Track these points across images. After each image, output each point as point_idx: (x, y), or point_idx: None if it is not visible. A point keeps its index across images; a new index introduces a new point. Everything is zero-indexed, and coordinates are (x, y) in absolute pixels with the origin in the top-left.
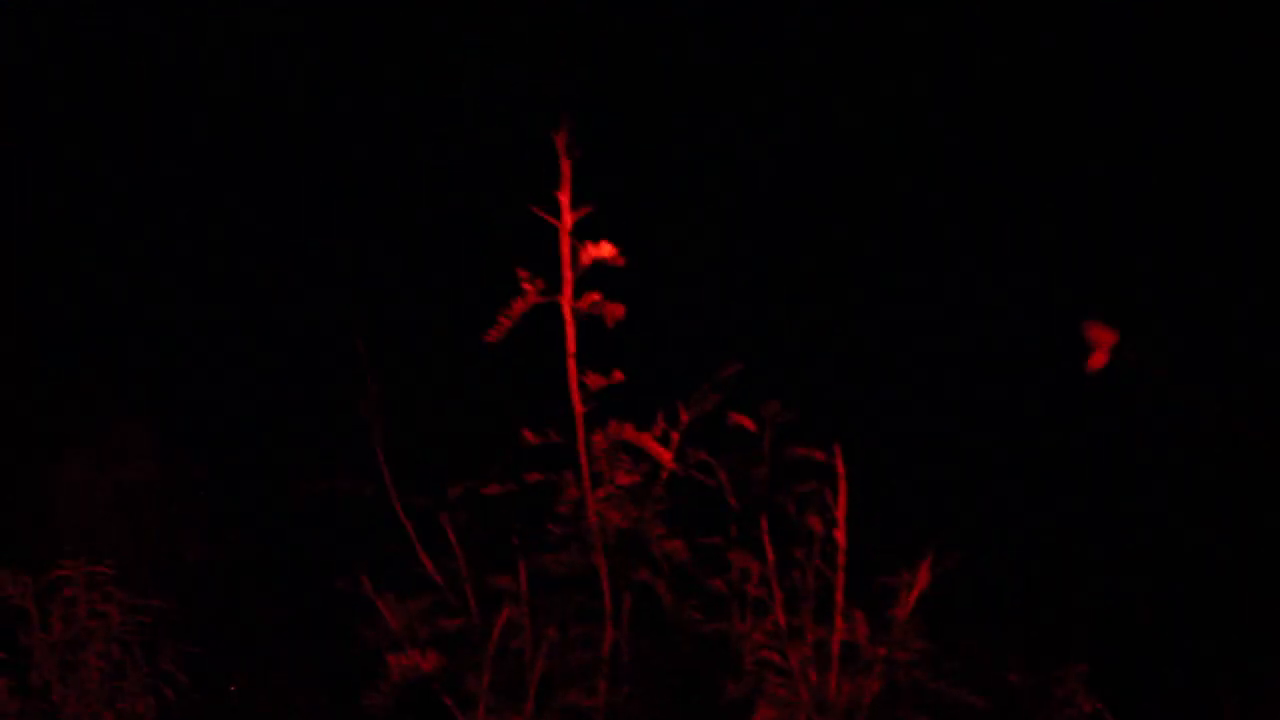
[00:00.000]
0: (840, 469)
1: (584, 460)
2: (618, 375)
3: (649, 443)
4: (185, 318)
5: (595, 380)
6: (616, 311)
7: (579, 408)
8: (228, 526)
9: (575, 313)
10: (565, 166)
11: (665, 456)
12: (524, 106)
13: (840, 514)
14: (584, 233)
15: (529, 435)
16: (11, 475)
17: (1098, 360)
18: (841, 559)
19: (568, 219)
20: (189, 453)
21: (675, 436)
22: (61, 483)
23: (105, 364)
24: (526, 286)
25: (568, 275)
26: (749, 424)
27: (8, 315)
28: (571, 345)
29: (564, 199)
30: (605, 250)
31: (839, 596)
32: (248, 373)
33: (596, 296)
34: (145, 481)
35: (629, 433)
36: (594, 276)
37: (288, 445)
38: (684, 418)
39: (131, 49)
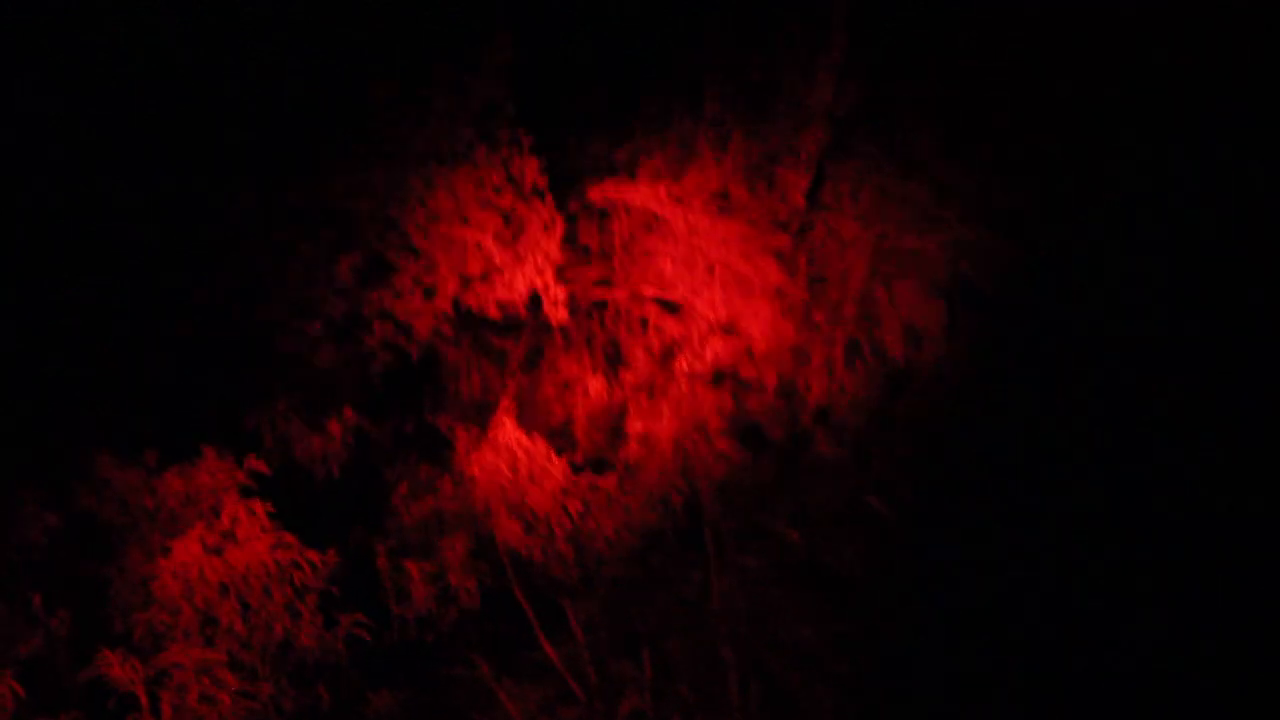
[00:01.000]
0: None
1: (710, 543)
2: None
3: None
4: (293, 404)
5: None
6: None
7: (706, 486)
8: (340, 610)
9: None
10: None
11: (792, 536)
12: None
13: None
14: None
15: (655, 518)
16: (123, 558)
17: None
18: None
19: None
20: (300, 535)
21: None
22: (173, 565)
23: (217, 448)
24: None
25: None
26: (884, 511)
27: (119, 404)
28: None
29: None
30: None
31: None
32: (358, 456)
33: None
34: (257, 564)
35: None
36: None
37: (399, 529)
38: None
39: None
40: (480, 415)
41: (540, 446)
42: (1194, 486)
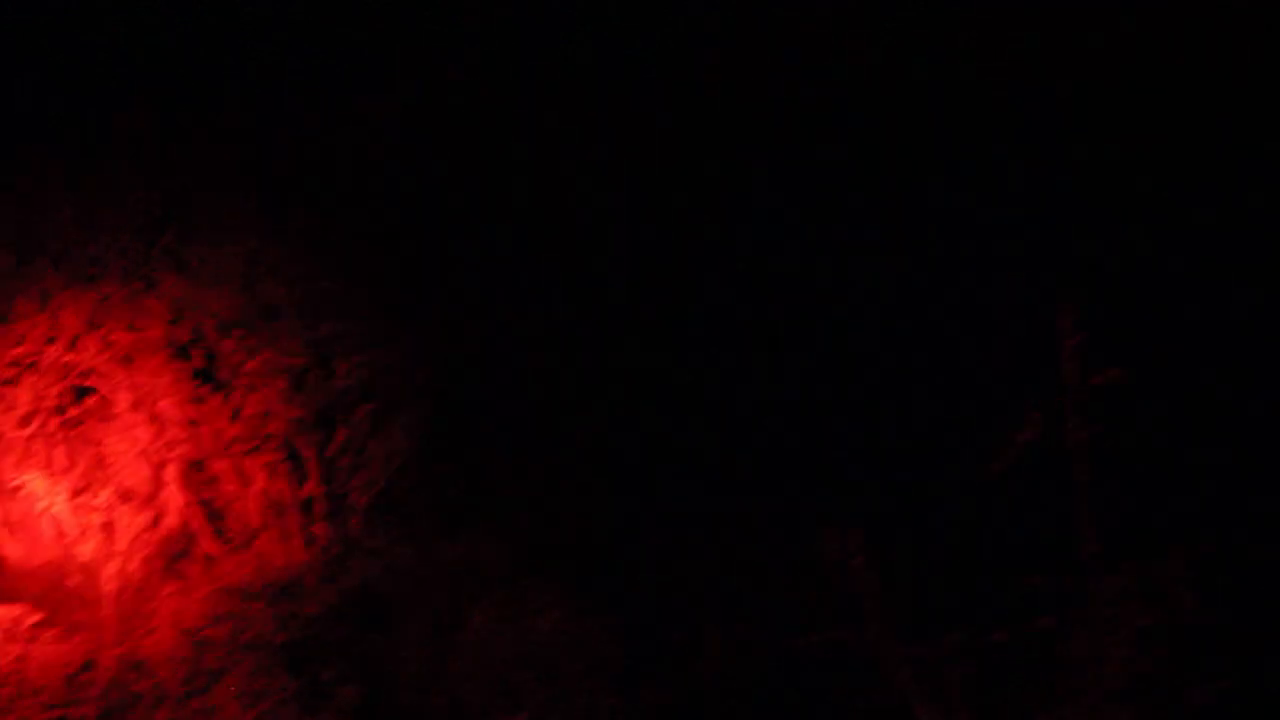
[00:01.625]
0: None
1: (1097, 604)
2: None
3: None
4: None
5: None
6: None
7: (1092, 545)
8: (642, 678)
9: (1079, 444)
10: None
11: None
12: None
13: None
14: None
15: (1034, 578)
16: (407, 630)
17: None
18: None
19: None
20: (597, 603)
21: None
22: (466, 637)
23: (501, 520)
24: (1033, 417)
25: (1073, 402)
26: None
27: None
28: (1081, 475)
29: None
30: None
31: None
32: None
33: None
34: (554, 634)
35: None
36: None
37: (688, 590)
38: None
39: None
40: None
41: None
42: None
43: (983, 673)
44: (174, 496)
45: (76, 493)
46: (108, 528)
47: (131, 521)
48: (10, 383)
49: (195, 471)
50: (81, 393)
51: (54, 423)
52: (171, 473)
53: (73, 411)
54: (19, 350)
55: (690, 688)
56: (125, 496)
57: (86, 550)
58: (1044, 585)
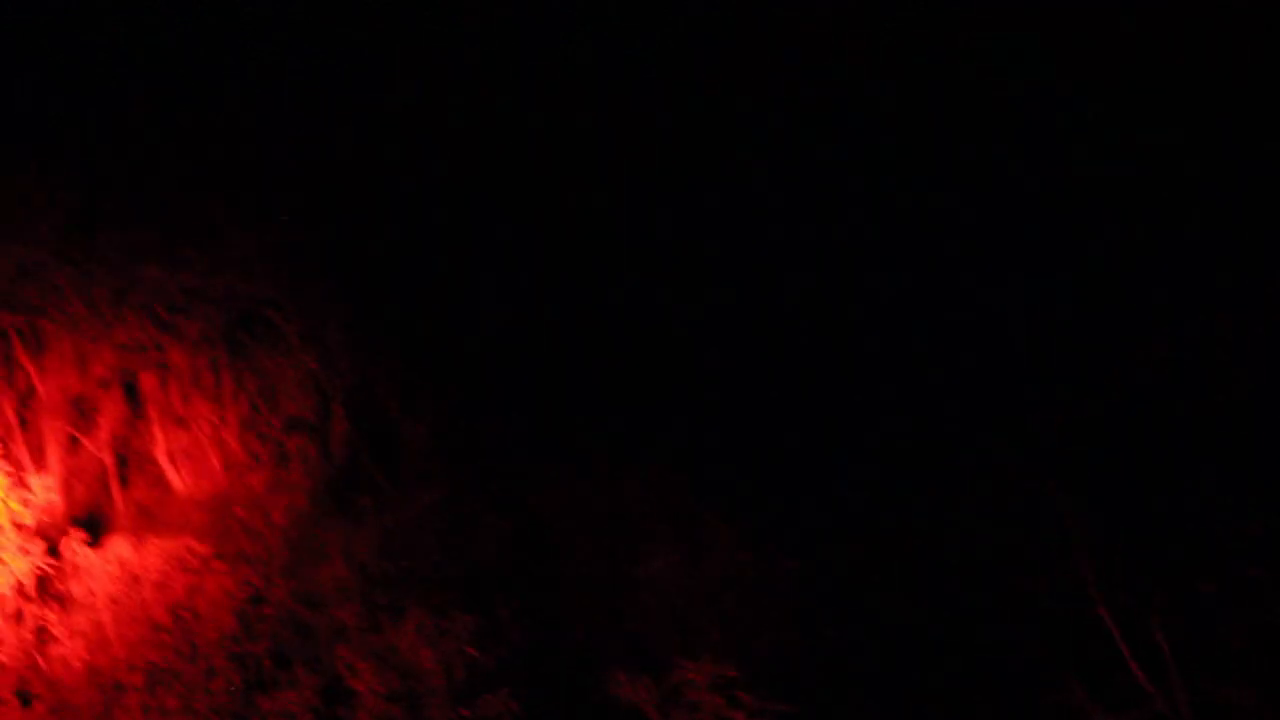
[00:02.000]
0: None
1: None
2: None
3: None
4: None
5: None
6: None
7: None
8: (833, 621)
9: None
10: None
11: None
12: None
13: None
14: None
15: (1245, 528)
16: (584, 568)
17: None
18: None
19: None
20: (779, 545)
21: None
22: (647, 577)
23: (681, 461)
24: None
25: None
26: None
27: (588, 419)
28: None
29: None
30: None
31: None
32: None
33: None
34: (735, 574)
35: None
36: None
37: (920, 536)
38: None
39: None
40: None
41: None
42: None
43: (1190, 623)
44: (342, 427)
45: (245, 422)
46: (277, 457)
47: (301, 452)
48: (180, 311)
49: (364, 403)
50: (250, 322)
51: (223, 351)
52: (340, 404)
53: (242, 340)
54: (187, 277)
55: (879, 635)
56: (294, 426)
57: (256, 481)
58: (1255, 534)
